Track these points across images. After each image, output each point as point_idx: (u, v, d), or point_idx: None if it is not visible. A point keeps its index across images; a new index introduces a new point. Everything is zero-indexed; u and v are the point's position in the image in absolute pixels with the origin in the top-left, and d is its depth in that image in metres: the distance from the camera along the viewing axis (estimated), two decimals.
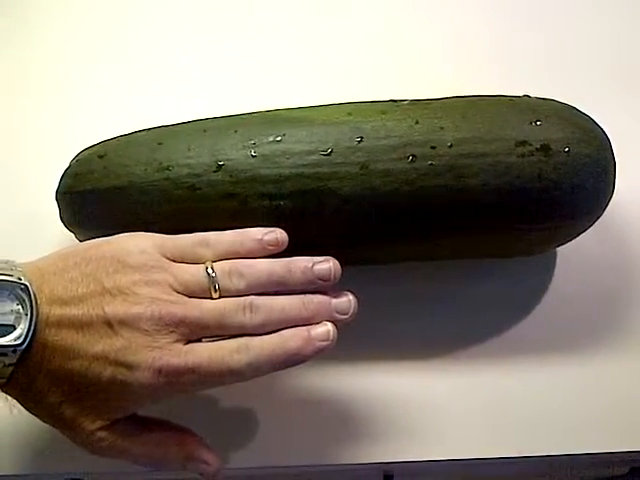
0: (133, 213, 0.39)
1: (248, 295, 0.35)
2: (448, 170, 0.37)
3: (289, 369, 0.35)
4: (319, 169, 0.37)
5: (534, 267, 0.44)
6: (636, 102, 0.50)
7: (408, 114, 0.39)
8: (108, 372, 0.33)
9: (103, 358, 0.33)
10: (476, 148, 0.37)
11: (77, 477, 0.42)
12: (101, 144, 0.42)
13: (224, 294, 0.35)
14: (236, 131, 0.39)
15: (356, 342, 0.40)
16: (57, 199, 0.42)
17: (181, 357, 0.33)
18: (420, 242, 0.39)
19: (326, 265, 0.36)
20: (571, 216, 0.39)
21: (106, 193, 0.39)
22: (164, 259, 0.35)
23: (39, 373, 0.33)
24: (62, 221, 0.42)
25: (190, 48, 0.55)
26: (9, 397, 0.34)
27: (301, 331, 0.35)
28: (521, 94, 0.41)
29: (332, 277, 0.36)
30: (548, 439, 0.40)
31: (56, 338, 0.33)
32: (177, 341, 0.33)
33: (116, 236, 0.36)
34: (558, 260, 0.45)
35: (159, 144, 0.39)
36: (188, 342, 0.34)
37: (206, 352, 0.34)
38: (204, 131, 0.40)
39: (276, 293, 0.36)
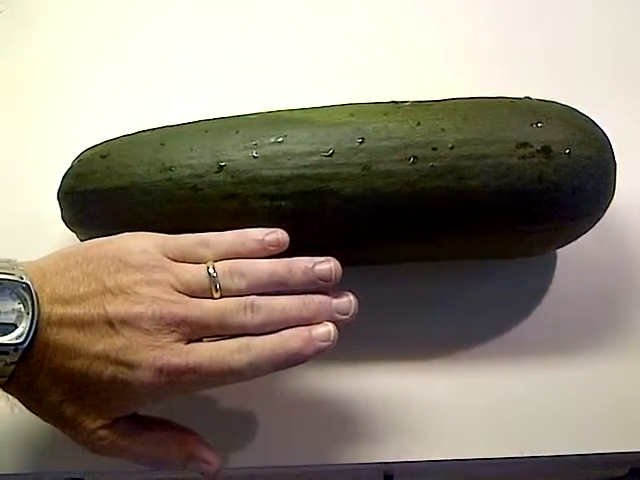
0: (135, 213, 0.39)
1: (249, 295, 0.35)
2: (449, 171, 0.37)
3: (289, 369, 0.35)
4: (320, 170, 0.38)
5: (534, 268, 0.45)
6: (636, 104, 0.50)
7: (410, 115, 0.39)
8: (109, 371, 0.33)
9: (104, 357, 0.33)
10: (477, 150, 0.37)
11: (78, 476, 0.42)
12: (103, 144, 0.42)
13: (225, 294, 0.35)
14: (238, 132, 0.39)
15: (357, 342, 0.40)
16: (59, 199, 0.42)
17: (182, 357, 0.33)
18: (421, 243, 0.39)
19: (327, 265, 0.36)
20: (571, 218, 0.39)
21: (108, 193, 0.39)
22: (165, 259, 0.35)
23: (40, 372, 0.33)
24: (64, 221, 0.42)
25: (192, 49, 0.55)
26: (10, 396, 0.34)
27: (302, 331, 0.35)
28: (522, 96, 0.41)
29: (333, 277, 0.36)
30: (548, 439, 0.40)
31: (57, 337, 0.33)
32: (178, 341, 0.33)
33: (118, 236, 0.36)
34: (558, 261, 0.45)
35: (161, 144, 0.39)
36: (189, 342, 0.34)
37: (207, 352, 0.34)
38: (206, 132, 0.40)
39: (277, 293, 0.36)
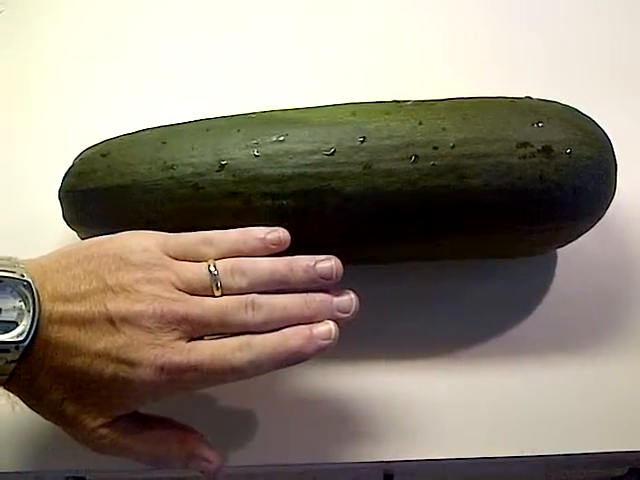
0: (136, 212, 0.39)
1: (250, 293, 0.35)
2: (450, 170, 0.37)
3: (290, 367, 0.35)
4: (322, 169, 0.38)
5: (535, 268, 0.45)
6: (637, 104, 0.51)
7: (411, 115, 0.39)
8: (110, 369, 0.33)
9: (105, 355, 0.33)
10: (478, 149, 0.37)
11: (79, 474, 0.42)
12: (104, 143, 0.42)
13: (226, 292, 0.35)
14: (239, 131, 0.39)
15: (357, 341, 0.40)
16: (60, 198, 0.42)
17: (183, 355, 0.33)
18: (422, 242, 0.39)
19: (328, 264, 0.36)
20: (572, 217, 0.39)
21: (109, 192, 0.39)
22: (166, 257, 0.35)
23: (41, 370, 0.33)
24: (65, 220, 0.42)
25: (193, 47, 0.55)
26: (11, 394, 0.34)
27: (303, 329, 0.35)
28: (523, 95, 0.41)
29: (334, 276, 0.36)
30: (549, 438, 0.40)
31: (58, 335, 0.33)
32: (179, 339, 0.33)
33: (119, 234, 0.36)
34: (559, 261, 0.45)
35: (163, 143, 0.40)
36: (190, 340, 0.34)
37: (208, 350, 0.34)
38: (207, 130, 0.40)
39: (278, 292, 0.36)
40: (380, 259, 0.42)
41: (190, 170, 0.38)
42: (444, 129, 0.38)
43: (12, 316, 0.32)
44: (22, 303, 0.32)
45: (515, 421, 0.41)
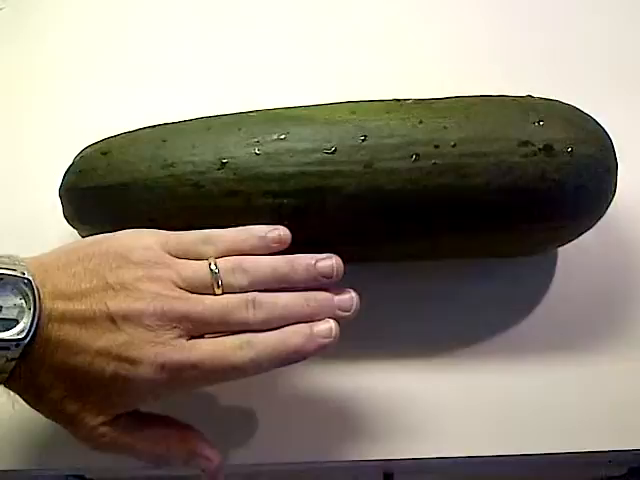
0: (137, 210, 0.39)
1: (251, 292, 0.35)
2: (451, 169, 0.37)
3: (290, 366, 0.35)
4: (323, 167, 0.38)
5: (536, 267, 0.45)
6: (638, 103, 0.50)
7: (412, 113, 0.39)
8: (111, 367, 0.33)
9: (106, 353, 0.33)
10: (479, 148, 0.37)
11: (79, 473, 0.42)
12: (105, 141, 0.42)
13: (227, 290, 0.35)
14: (240, 129, 0.39)
15: (358, 339, 0.40)
16: (60, 196, 0.42)
17: (184, 353, 0.33)
18: (422, 240, 0.39)
19: (329, 262, 0.36)
20: (573, 216, 0.39)
21: (110, 190, 0.39)
22: (167, 255, 0.35)
23: (41, 368, 0.33)
24: (65, 218, 0.42)
25: (194, 46, 0.55)
26: (11, 392, 0.34)
27: (303, 328, 0.35)
28: (524, 94, 0.41)
29: (335, 274, 0.36)
30: (548, 437, 0.40)
31: (59, 333, 0.33)
32: (180, 337, 0.33)
33: (119, 232, 0.36)
34: (559, 260, 0.45)
35: (163, 141, 0.39)
36: (191, 338, 0.34)
37: (209, 348, 0.34)
38: (208, 129, 0.40)
39: (279, 290, 0.36)
40: (381, 257, 0.42)
41: (191, 168, 0.38)
42: (445, 128, 0.38)
43: (12, 314, 0.32)
44: (23, 301, 0.32)
45: (515, 420, 0.41)
